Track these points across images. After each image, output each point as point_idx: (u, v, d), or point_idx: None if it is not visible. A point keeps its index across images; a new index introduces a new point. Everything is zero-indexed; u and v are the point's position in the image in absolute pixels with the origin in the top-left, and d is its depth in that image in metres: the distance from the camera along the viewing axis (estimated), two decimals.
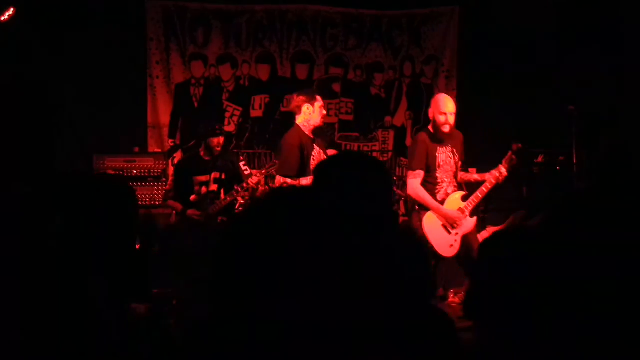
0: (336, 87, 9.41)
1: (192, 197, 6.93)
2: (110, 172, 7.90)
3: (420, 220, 6.27)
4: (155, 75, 9.02)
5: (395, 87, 9.48)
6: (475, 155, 7.33)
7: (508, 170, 6.26)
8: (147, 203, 7.86)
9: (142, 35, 8.96)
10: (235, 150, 8.72)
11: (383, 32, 9.39)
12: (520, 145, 7.08)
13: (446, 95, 6.65)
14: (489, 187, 6.26)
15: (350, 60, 9.43)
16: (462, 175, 6.53)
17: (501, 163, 6.29)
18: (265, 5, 9.21)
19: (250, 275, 1.68)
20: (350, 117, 9.39)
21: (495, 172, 6.25)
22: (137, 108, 8.98)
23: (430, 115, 6.38)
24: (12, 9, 7.53)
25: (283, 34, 9.29)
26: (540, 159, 8.01)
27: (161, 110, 9.05)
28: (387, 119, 9.43)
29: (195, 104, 9.21)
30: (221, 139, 6.97)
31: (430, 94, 9.41)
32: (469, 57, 9.25)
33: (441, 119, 6.24)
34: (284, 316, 1.62)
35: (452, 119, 6.27)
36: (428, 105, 9.27)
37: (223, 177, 7.01)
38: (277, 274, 1.65)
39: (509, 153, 6.28)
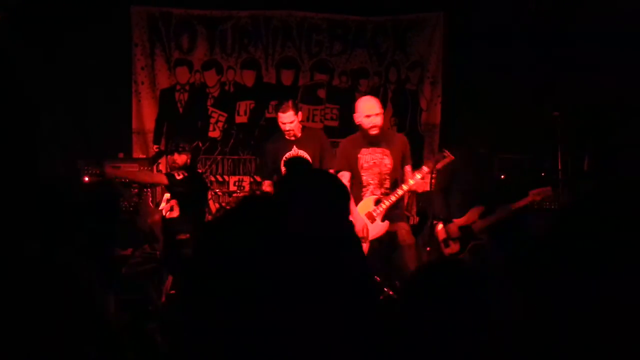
0: (321, 93, 9.40)
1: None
2: (95, 178, 7.86)
3: None
4: (140, 80, 9.00)
5: (380, 93, 9.46)
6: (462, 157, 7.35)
7: (434, 171, 6.09)
8: (132, 209, 7.82)
9: (127, 40, 8.94)
10: (216, 161, 8.84)
11: (368, 37, 9.38)
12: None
13: (368, 97, 6.58)
14: (405, 190, 6.09)
15: (336, 66, 9.42)
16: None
17: (424, 164, 6.20)
18: (250, 11, 9.20)
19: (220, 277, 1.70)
20: (335, 123, 9.36)
21: (416, 174, 6.12)
22: (122, 114, 8.96)
23: (356, 119, 6.31)
24: None
25: (268, 40, 9.28)
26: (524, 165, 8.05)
27: (146, 116, 9.03)
28: None
29: (180, 110, 9.19)
30: (177, 158, 7.00)
31: (415, 100, 9.45)
32: (455, 63, 9.26)
33: (366, 122, 6.16)
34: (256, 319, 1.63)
35: (378, 120, 6.17)
36: (413, 112, 9.38)
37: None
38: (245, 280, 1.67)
39: (440, 155, 6.16)
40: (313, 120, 9.32)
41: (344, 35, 9.37)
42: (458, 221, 6.92)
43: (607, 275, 1.47)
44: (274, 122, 9.25)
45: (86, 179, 7.85)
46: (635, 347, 1.43)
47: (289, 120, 6.77)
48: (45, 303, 2.00)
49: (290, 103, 6.92)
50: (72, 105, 8.68)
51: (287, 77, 9.37)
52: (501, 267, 6.71)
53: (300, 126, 6.95)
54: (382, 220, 6.11)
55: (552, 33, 8.52)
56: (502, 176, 7.89)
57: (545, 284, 1.51)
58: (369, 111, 6.16)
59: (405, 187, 6.06)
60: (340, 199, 2.31)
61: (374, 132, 6.12)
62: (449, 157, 6.08)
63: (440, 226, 6.95)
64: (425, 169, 6.08)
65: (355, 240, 2.58)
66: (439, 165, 6.10)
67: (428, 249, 7.58)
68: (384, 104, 9.42)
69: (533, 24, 8.59)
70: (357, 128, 6.51)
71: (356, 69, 9.46)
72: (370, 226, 6.08)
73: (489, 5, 8.70)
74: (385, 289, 6.94)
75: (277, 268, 1.71)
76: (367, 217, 6.08)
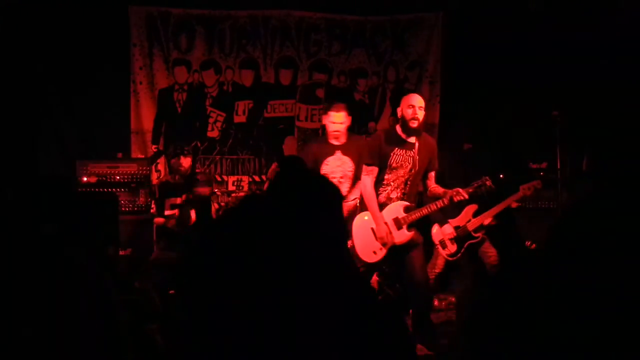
0: (320, 93, 9.40)
1: (168, 212, 6.96)
2: (93, 178, 7.86)
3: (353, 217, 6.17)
4: (138, 80, 8.99)
5: (379, 93, 9.48)
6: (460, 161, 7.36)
7: (470, 195, 6.07)
8: (130, 209, 7.82)
9: (125, 41, 8.93)
10: (215, 161, 8.87)
11: (367, 37, 9.39)
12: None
13: (416, 93, 6.41)
14: (440, 206, 6.04)
15: (334, 66, 9.42)
16: (432, 185, 6.30)
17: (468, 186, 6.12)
18: (248, 11, 9.20)
19: (220, 276, 1.70)
20: None
21: (454, 193, 6.04)
22: (121, 114, 8.95)
23: (399, 112, 6.03)
24: None
25: (267, 40, 9.28)
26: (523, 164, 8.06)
27: (144, 115, 9.02)
28: (371, 124, 9.40)
29: (179, 110, 9.18)
30: (183, 160, 6.95)
31: None
32: (453, 63, 9.25)
33: (408, 111, 5.92)
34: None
35: (420, 114, 5.96)
36: None
37: (191, 197, 7.02)
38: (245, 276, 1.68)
39: (482, 181, 6.11)
40: (312, 120, 9.33)
41: (342, 35, 9.37)
42: (453, 221, 6.91)
43: (609, 274, 1.47)
44: (272, 122, 9.28)
45: (85, 179, 7.85)
46: (637, 345, 1.43)
47: (341, 120, 6.58)
48: (56, 301, 2.01)
49: (344, 105, 6.81)
50: (71, 105, 8.67)
51: (285, 77, 9.36)
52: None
53: (347, 132, 6.78)
54: (409, 229, 6.01)
55: (552, 32, 8.52)
56: (501, 175, 7.89)
57: (547, 284, 1.51)
58: (414, 102, 5.94)
59: (440, 204, 5.99)
60: (331, 203, 2.30)
61: (413, 124, 5.91)
62: (490, 186, 6.06)
63: (435, 228, 6.94)
64: (465, 194, 6.01)
65: (346, 247, 2.57)
66: (480, 191, 6.08)
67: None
68: (382, 104, 9.49)
69: (532, 23, 8.60)
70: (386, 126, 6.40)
71: (355, 69, 9.46)
72: (396, 232, 5.97)
73: (488, 5, 8.71)
74: (385, 288, 6.95)
75: (279, 267, 1.71)
76: (394, 222, 5.97)
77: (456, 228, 6.87)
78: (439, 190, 6.09)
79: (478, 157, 7.36)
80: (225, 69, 9.27)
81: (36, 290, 1.95)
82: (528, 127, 8.31)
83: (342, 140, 6.60)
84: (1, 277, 1.98)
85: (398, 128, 6.04)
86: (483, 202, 6.91)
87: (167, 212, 6.98)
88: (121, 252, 7.40)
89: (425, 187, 6.22)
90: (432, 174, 6.20)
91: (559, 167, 7.26)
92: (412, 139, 5.97)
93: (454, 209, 6.96)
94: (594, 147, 8.29)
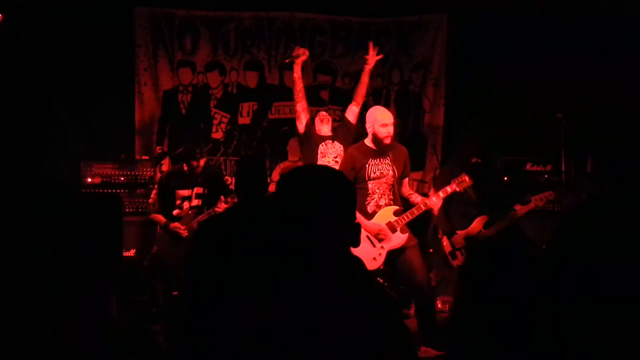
0: (324, 95, 9.39)
1: (175, 212, 6.97)
2: (97, 179, 7.87)
3: None
4: (143, 82, 8.99)
5: (383, 95, 9.46)
6: (462, 163, 7.35)
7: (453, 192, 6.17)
8: (133, 210, 7.82)
9: (130, 42, 8.93)
10: (219, 163, 8.84)
11: (371, 39, 9.35)
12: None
13: (382, 107, 6.49)
14: (428, 206, 6.09)
15: (338, 68, 9.41)
16: (406, 192, 6.37)
17: (449, 184, 6.19)
18: (253, 12, 9.19)
19: (219, 277, 1.69)
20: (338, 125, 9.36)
21: (440, 193, 6.10)
22: (125, 115, 8.95)
23: (369, 129, 6.13)
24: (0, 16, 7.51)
25: (271, 41, 9.27)
26: (527, 167, 8.04)
27: (149, 117, 9.01)
28: None
29: (183, 111, 9.18)
30: (201, 161, 7.00)
31: (418, 102, 9.43)
32: (458, 65, 9.24)
33: (382, 131, 6.03)
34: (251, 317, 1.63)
35: (392, 129, 6.12)
36: (417, 114, 9.36)
37: (206, 192, 7.04)
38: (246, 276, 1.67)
39: (461, 177, 6.17)
40: None
41: (347, 36, 9.35)
42: (463, 232, 6.95)
43: (613, 277, 1.46)
44: (276, 124, 9.27)
45: (89, 180, 7.86)
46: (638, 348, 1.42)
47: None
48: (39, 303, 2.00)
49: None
50: (75, 107, 8.68)
51: (290, 79, 9.35)
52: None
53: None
54: (403, 232, 6.08)
55: (555, 35, 8.51)
56: (505, 178, 7.89)
57: (550, 286, 1.51)
58: (386, 120, 6.06)
59: (428, 202, 6.05)
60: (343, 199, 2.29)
61: (387, 141, 6.04)
62: (466, 181, 6.11)
63: (445, 240, 6.99)
64: (448, 189, 6.10)
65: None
66: (459, 188, 6.13)
67: (431, 250, 7.62)
68: (386, 106, 9.46)
69: (536, 25, 8.58)
70: (362, 135, 6.44)
71: (359, 71, 9.41)
72: (392, 236, 6.06)
73: (492, 6, 8.70)
74: (388, 290, 6.95)
75: (279, 267, 1.70)
76: (388, 226, 6.06)
77: (465, 238, 6.90)
78: (415, 199, 6.19)
79: (486, 171, 7.36)
80: (229, 70, 9.26)
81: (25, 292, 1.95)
82: (532, 129, 8.29)
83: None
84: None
85: (369, 142, 6.13)
86: (493, 213, 6.94)
87: (175, 212, 6.98)
88: (125, 254, 7.42)
89: (408, 195, 6.30)
90: (406, 180, 6.31)
91: (563, 169, 7.27)
92: (386, 149, 6.08)
93: (465, 218, 7.01)
94: (599, 149, 8.28)
